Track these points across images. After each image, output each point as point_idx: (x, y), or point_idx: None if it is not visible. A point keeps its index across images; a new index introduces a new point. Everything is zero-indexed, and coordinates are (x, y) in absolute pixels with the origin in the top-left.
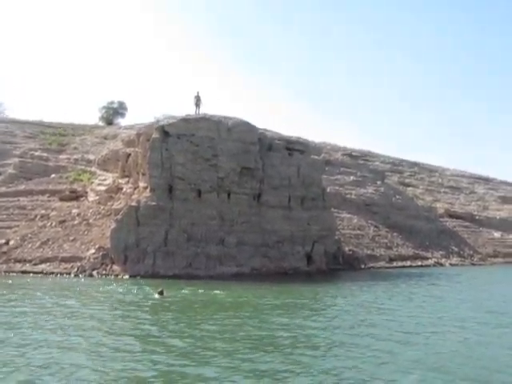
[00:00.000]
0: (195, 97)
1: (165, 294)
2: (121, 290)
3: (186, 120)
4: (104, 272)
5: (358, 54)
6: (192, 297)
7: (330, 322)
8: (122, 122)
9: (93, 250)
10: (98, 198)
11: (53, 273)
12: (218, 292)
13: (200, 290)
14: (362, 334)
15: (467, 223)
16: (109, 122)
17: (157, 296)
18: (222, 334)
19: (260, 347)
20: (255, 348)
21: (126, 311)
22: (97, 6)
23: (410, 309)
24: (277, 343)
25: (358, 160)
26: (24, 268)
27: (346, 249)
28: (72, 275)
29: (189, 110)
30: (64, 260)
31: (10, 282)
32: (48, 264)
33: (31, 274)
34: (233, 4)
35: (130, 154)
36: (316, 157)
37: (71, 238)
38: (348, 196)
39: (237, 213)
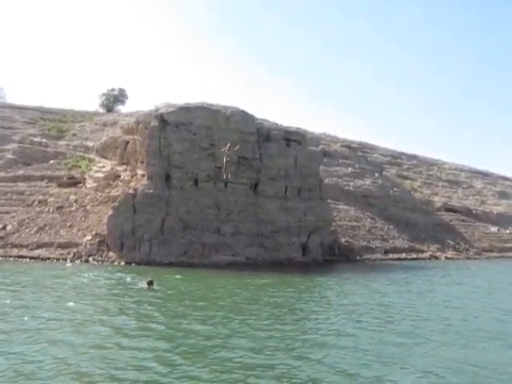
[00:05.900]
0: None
1: (155, 285)
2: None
3: (184, 109)
4: (100, 258)
5: (358, 47)
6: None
7: None
8: (122, 109)
9: (89, 237)
10: (95, 184)
11: (49, 258)
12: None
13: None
14: None
15: (464, 217)
16: (109, 109)
17: (145, 286)
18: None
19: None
20: None
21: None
22: None
23: None
24: None
25: (356, 152)
26: (21, 253)
27: (343, 240)
28: (68, 261)
29: (189, 98)
30: (60, 246)
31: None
32: (44, 249)
33: (27, 259)
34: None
35: (128, 142)
36: (314, 148)
37: (68, 224)
38: (346, 187)
39: (233, 202)
